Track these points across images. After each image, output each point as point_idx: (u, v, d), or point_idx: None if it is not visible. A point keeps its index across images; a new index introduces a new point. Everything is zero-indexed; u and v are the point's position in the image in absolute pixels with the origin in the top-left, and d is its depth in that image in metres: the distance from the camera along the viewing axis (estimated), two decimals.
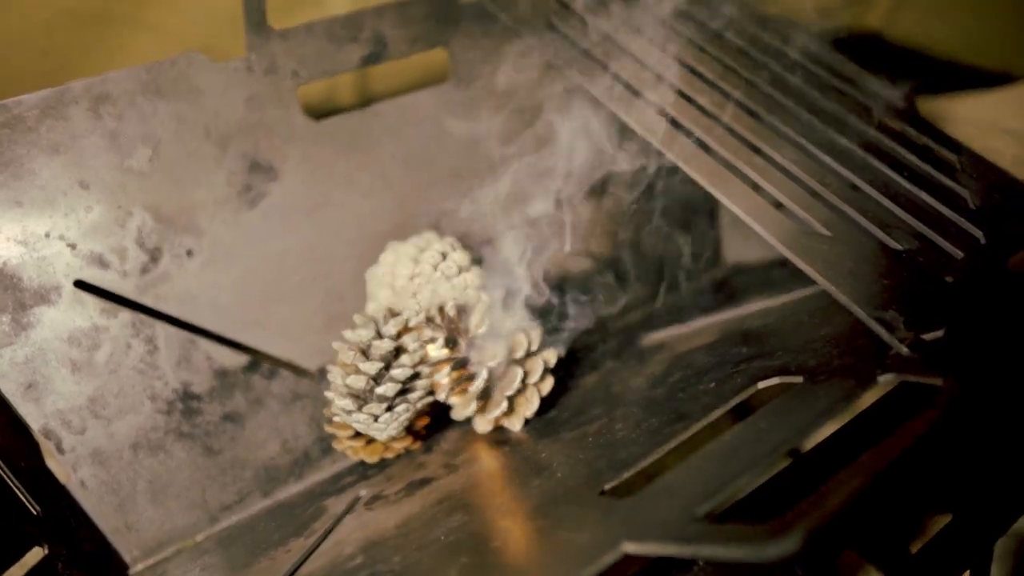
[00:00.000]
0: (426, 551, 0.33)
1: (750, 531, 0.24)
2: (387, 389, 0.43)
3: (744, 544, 0.23)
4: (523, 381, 0.45)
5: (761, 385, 0.38)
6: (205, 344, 0.49)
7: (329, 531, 0.42)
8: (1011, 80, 0.72)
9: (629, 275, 0.64)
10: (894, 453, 0.26)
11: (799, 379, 0.36)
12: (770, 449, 0.29)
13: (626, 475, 0.34)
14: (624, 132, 0.48)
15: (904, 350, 0.35)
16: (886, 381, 0.32)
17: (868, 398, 0.37)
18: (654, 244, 0.65)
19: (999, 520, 0.37)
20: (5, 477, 0.40)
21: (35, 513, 0.41)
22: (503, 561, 0.30)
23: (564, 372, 0.50)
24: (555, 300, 0.51)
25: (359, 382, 0.43)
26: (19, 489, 0.41)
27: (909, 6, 0.84)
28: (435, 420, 0.50)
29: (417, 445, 0.49)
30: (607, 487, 0.33)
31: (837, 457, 0.34)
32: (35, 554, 0.39)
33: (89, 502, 0.46)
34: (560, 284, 0.50)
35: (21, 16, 0.64)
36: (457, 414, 0.46)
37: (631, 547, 0.26)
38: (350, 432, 0.48)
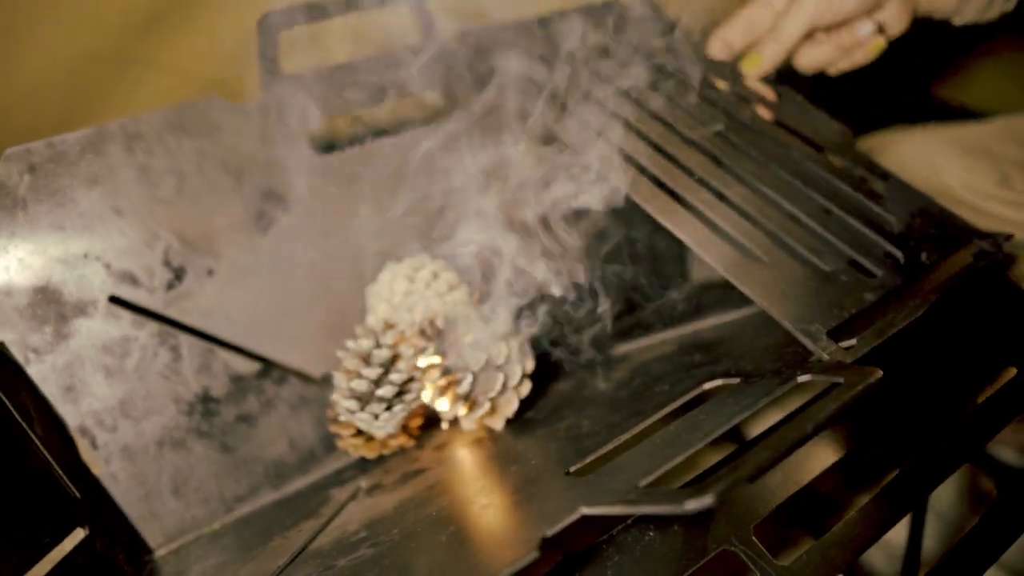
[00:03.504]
0: (420, 524, 0.40)
1: (676, 493, 0.30)
2: (386, 391, 0.50)
3: (670, 502, 0.29)
4: (504, 385, 0.52)
5: (706, 386, 0.44)
6: (222, 353, 0.55)
7: (335, 515, 0.48)
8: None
9: (602, 293, 0.71)
10: (796, 435, 0.33)
11: (737, 380, 0.43)
12: (703, 435, 0.36)
13: (588, 460, 0.40)
14: (595, 170, 0.55)
15: (824, 356, 0.42)
16: (803, 381, 0.39)
17: (801, 397, 0.44)
18: (626, 266, 0.71)
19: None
20: (49, 464, 0.46)
21: (75, 497, 0.46)
22: (483, 527, 0.36)
23: (541, 378, 0.56)
24: (534, 314, 0.57)
25: (361, 385, 0.50)
26: (61, 476, 0.46)
27: None
28: (427, 421, 0.56)
29: (411, 443, 0.55)
30: (572, 469, 0.40)
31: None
32: (77, 535, 0.45)
33: (119, 492, 0.51)
34: (539, 300, 0.56)
35: (46, 58, 0.70)
36: (446, 415, 0.52)
37: (586, 510, 0.32)
38: (352, 431, 0.54)
